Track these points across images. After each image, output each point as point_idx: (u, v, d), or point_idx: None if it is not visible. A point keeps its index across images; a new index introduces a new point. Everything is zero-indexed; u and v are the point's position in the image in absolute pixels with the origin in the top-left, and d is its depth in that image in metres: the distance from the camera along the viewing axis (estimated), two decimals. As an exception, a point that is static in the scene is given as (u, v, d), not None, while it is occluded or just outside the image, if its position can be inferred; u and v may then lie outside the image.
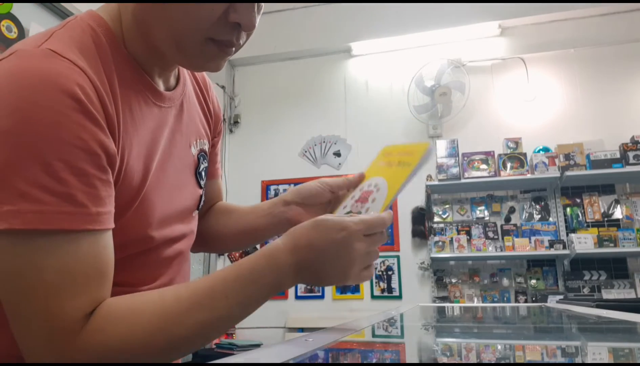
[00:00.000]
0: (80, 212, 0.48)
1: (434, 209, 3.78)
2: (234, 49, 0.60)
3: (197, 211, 0.75)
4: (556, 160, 3.49)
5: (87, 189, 0.49)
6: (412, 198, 3.77)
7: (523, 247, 3.46)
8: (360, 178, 0.75)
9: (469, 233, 3.65)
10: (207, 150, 0.77)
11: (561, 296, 3.26)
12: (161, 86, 0.65)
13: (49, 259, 0.47)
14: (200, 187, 0.75)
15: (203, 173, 0.75)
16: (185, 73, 0.73)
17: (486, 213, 3.72)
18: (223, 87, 4.33)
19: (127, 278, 0.61)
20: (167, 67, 0.65)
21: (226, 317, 0.53)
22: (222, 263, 4.09)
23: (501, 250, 3.53)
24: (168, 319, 0.50)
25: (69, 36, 0.54)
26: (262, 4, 0.59)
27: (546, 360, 0.49)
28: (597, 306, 1.25)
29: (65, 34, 0.54)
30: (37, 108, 0.47)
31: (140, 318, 0.50)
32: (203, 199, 0.77)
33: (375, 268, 3.81)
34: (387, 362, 0.50)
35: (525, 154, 3.59)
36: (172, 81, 0.68)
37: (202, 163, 0.75)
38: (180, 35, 0.56)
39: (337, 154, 4.11)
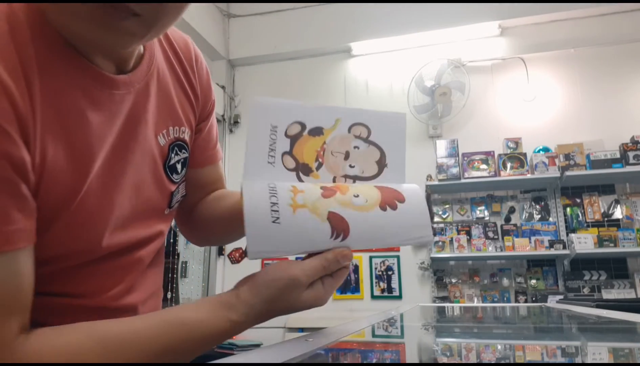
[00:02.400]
0: None
1: (434, 209, 3.78)
2: (133, 14, 0.44)
3: (169, 210, 0.67)
4: (556, 160, 3.50)
5: None
6: (412, 198, 3.77)
7: (523, 247, 3.46)
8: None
9: (469, 233, 3.65)
10: (185, 138, 0.67)
11: (561, 296, 3.26)
12: (112, 69, 0.54)
13: None
14: (173, 182, 0.65)
15: (179, 166, 0.66)
16: (156, 50, 0.61)
17: (486, 213, 3.72)
18: (223, 87, 4.33)
19: (77, 289, 0.56)
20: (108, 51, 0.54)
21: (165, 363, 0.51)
22: (222, 264, 4.10)
23: (501, 250, 3.54)
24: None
25: None
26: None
27: (546, 360, 0.49)
28: (597, 306, 1.24)
29: None
30: None
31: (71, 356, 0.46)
32: (181, 194, 0.69)
33: (376, 268, 3.81)
34: (387, 362, 0.50)
35: (525, 154, 3.59)
36: (131, 61, 0.57)
37: (178, 154, 0.65)
38: None
39: (337, 154, 4.11)
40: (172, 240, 3.59)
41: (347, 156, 0.61)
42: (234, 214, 0.72)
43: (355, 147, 0.61)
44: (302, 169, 0.60)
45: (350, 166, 0.62)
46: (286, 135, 0.60)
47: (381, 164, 0.63)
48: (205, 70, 0.71)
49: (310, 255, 0.55)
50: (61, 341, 0.47)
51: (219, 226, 0.77)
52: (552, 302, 2.71)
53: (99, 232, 0.55)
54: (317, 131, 0.61)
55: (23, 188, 0.45)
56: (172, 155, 0.64)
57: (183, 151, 0.67)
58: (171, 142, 0.64)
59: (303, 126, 0.61)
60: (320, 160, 0.61)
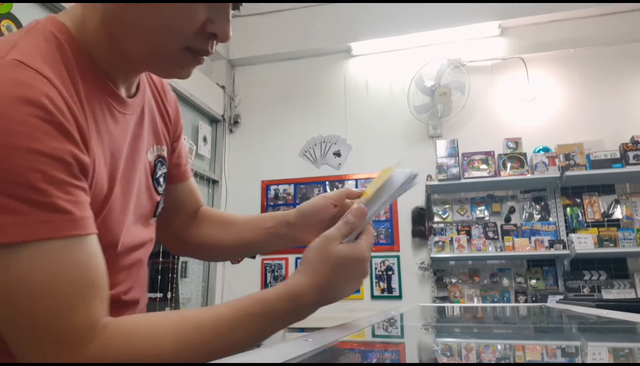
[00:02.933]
0: (66, 218, 0.47)
1: (434, 209, 3.78)
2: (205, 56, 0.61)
3: (154, 218, 0.75)
4: (556, 160, 3.49)
5: (67, 197, 0.48)
6: (412, 198, 3.77)
7: (523, 247, 3.46)
8: (360, 193, 0.73)
9: (469, 233, 3.65)
10: (165, 156, 0.77)
11: (561, 296, 3.26)
12: (124, 93, 0.64)
13: (38, 272, 0.45)
14: (158, 193, 0.74)
15: (161, 179, 0.75)
16: (144, 79, 0.72)
17: (486, 213, 3.72)
18: (223, 87, 4.33)
19: None
20: (133, 74, 0.64)
21: (240, 347, 0.54)
22: (222, 264, 4.09)
23: (501, 250, 3.53)
24: (185, 345, 0.51)
25: (33, 45, 0.53)
26: (233, 12, 0.60)
27: (546, 360, 0.49)
28: (597, 306, 1.24)
29: (29, 43, 0.53)
30: (5, 120, 0.46)
31: (156, 339, 0.50)
32: (161, 206, 0.77)
33: (376, 268, 3.81)
34: (387, 362, 0.50)
35: (525, 154, 3.59)
36: (134, 88, 0.68)
37: (160, 169, 0.74)
38: (157, 44, 0.56)
39: (337, 154, 4.11)
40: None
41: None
42: (248, 244, 0.84)
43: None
44: None
45: None
46: None
47: None
48: (172, 95, 0.82)
49: None
50: (150, 320, 0.52)
51: (230, 251, 0.88)
52: (552, 302, 2.71)
53: (119, 232, 0.63)
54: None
55: (85, 184, 0.52)
56: (157, 169, 0.73)
57: (163, 166, 0.76)
58: (156, 158, 0.73)
59: None
60: None
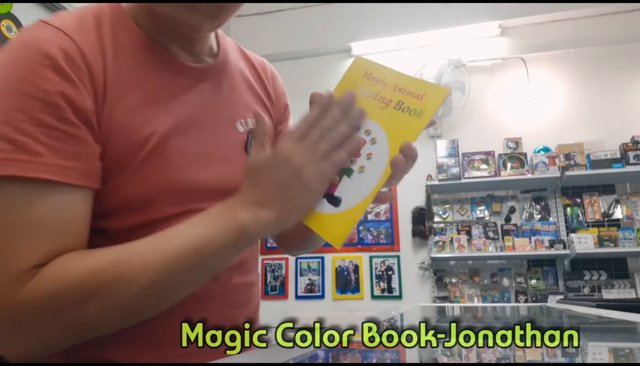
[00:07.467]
0: (35, 160, 0.47)
1: (434, 209, 3.78)
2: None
3: None
4: (556, 160, 3.49)
5: (46, 140, 0.48)
6: (412, 197, 3.77)
7: (523, 247, 3.46)
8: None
9: (469, 233, 3.65)
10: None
11: (561, 296, 3.26)
12: (186, 59, 0.64)
13: None
14: None
15: None
16: (229, 54, 0.72)
17: (486, 213, 3.72)
18: (223, 87, 4.33)
19: None
20: (184, 39, 0.63)
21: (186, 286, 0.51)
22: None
23: (501, 250, 3.53)
24: (123, 272, 0.48)
25: (67, 13, 0.58)
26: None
27: (546, 360, 0.49)
28: (597, 306, 1.24)
29: (67, 12, 0.58)
30: (8, 65, 0.50)
31: (89, 269, 0.47)
32: None
33: (376, 268, 3.80)
34: (387, 362, 0.50)
35: (525, 154, 3.59)
36: (207, 58, 0.68)
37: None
38: None
39: (337, 154, 4.11)
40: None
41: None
42: None
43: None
44: None
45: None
46: None
47: None
48: (279, 81, 0.82)
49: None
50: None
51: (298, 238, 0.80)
52: (553, 302, 2.72)
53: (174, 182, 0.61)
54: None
55: (81, 131, 0.51)
56: (249, 141, 0.70)
57: None
58: (249, 131, 0.70)
59: None
60: None
